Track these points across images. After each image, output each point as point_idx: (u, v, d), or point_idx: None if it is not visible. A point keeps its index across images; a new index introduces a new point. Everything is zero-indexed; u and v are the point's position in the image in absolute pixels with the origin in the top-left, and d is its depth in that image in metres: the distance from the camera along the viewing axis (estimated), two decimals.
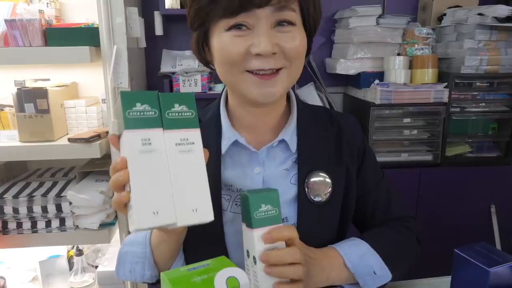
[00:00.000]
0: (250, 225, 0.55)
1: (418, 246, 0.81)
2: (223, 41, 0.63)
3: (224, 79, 0.68)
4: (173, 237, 0.63)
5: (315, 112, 0.81)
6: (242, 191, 0.59)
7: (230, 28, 0.62)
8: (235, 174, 0.74)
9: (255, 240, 0.54)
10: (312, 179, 0.73)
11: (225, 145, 0.74)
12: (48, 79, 1.67)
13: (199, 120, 0.78)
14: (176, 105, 0.52)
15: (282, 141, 0.74)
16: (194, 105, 0.54)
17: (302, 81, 1.91)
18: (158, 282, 0.70)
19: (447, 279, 0.77)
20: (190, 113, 0.53)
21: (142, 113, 0.48)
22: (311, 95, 1.83)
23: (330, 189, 0.73)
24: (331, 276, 0.66)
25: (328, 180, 0.74)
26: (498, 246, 1.78)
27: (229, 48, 0.62)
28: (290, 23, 0.63)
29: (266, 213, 0.56)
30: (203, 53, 0.71)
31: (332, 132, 0.78)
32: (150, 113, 0.49)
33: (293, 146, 0.75)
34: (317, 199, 0.73)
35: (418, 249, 0.81)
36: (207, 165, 0.72)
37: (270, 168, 0.74)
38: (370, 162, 0.82)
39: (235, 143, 0.73)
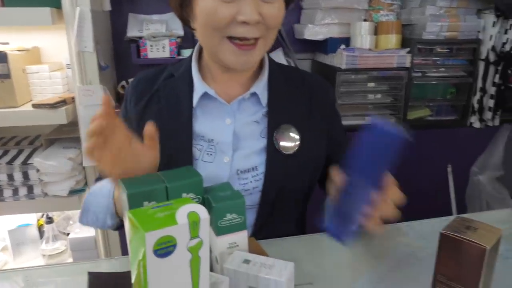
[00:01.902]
0: (214, 231, 0.56)
1: None
2: (210, 5, 0.64)
3: (203, 42, 0.71)
4: None
5: (286, 70, 0.84)
6: (207, 195, 0.57)
7: None
8: (207, 125, 0.77)
9: (218, 245, 0.56)
10: (281, 131, 0.77)
11: (195, 97, 0.77)
12: (7, 43, 1.61)
13: (171, 75, 0.81)
14: (184, 194, 0.54)
15: (254, 94, 0.77)
16: (202, 191, 0.56)
17: (271, 47, 1.92)
18: (118, 228, 0.74)
19: (406, 224, 0.84)
20: (197, 199, 0.56)
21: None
22: (279, 61, 1.84)
23: (298, 142, 0.77)
24: None
25: (296, 134, 0.77)
26: (453, 203, 1.91)
27: (215, 13, 0.64)
28: None
29: (230, 221, 0.56)
30: (182, 13, 0.74)
31: (303, 90, 0.82)
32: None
33: (264, 100, 0.78)
34: (285, 151, 0.76)
35: None
36: (179, 117, 0.76)
37: (241, 120, 0.78)
38: (339, 121, 0.89)
39: (206, 95, 0.76)
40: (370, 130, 0.54)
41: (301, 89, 0.82)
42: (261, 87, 0.78)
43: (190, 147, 0.76)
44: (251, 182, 0.77)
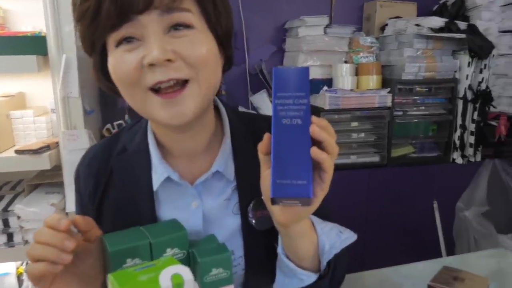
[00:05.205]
0: (199, 287, 0.55)
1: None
2: (115, 58, 0.56)
3: (131, 103, 0.60)
4: None
5: (255, 125, 0.72)
6: (192, 249, 0.56)
7: (119, 44, 0.55)
8: (171, 211, 0.68)
9: None
10: (255, 206, 0.67)
11: (156, 180, 0.67)
12: None
13: (124, 150, 0.70)
14: (169, 249, 0.54)
15: (217, 171, 0.67)
16: (187, 245, 0.56)
17: (255, 89, 1.96)
18: None
19: (393, 269, 0.83)
20: (182, 254, 0.56)
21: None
22: (264, 102, 1.88)
23: None
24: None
25: None
26: (441, 239, 1.91)
27: (121, 65, 0.55)
28: (187, 26, 0.55)
29: (216, 276, 0.55)
30: (104, 80, 0.62)
31: None
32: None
33: (230, 174, 0.68)
34: (263, 226, 0.67)
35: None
36: (138, 204, 0.67)
37: (209, 201, 0.68)
38: None
39: (168, 178, 0.66)
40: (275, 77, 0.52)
41: None
42: (223, 161, 0.68)
43: None
44: None
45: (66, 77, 1.43)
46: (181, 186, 0.67)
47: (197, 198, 0.67)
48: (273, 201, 0.49)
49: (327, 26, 1.89)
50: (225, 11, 0.61)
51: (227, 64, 0.67)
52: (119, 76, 0.56)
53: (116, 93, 0.63)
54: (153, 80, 0.54)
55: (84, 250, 0.56)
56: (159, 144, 0.68)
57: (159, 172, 0.67)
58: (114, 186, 0.69)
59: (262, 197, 0.57)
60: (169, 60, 0.53)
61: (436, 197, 1.90)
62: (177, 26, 0.55)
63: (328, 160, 0.48)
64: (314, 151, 0.47)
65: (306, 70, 0.51)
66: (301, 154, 0.48)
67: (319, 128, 0.48)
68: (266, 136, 0.51)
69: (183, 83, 0.56)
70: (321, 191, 0.50)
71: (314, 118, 0.49)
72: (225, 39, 0.63)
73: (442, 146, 1.95)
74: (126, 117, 1.76)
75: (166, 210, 0.68)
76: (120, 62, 0.55)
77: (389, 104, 1.80)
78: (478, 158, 1.89)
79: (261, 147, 0.52)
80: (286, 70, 0.51)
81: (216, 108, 0.72)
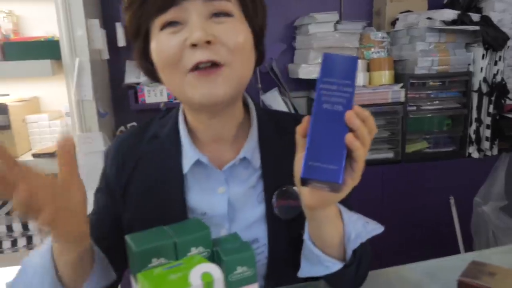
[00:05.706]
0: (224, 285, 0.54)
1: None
2: (159, 41, 0.60)
3: (169, 86, 0.64)
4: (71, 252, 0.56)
5: (279, 120, 0.76)
6: (216, 248, 0.56)
7: (164, 27, 0.60)
8: (198, 196, 0.70)
9: None
10: (280, 195, 0.69)
11: (186, 164, 0.69)
12: (8, 94, 1.63)
13: (155, 137, 0.73)
14: (193, 249, 0.53)
15: (244, 158, 0.70)
16: (211, 244, 0.55)
17: (266, 86, 1.95)
18: None
19: (415, 265, 0.82)
20: (206, 253, 0.55)
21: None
22: (275, 100, 1.88)
23: (299, 202, 0.66)
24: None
25: (297, 193, 0.68)
26: (459, 235, 1.89)
27: (164, 45, 0.60)
28: (226, 14, 0.60)
29: (241, 274, 0.54)
30: (146, 64, 0.67)
31: None
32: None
33: (256, 162, 0.70)
34: (286, 216, 0.69)
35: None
36: (168, 187, 0.69)
37: (235, 187, 0.70)
38: None
39: (197, 162, 0.69)
40: (324, 63, 0.51)
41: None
42: (251, 149, 0.70)
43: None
44: None
45: (80, 80, 1.45)
46: (209, 170, 0.69)
47: (223, 184, 0.69)
48: (303, 182, 0.49)
49: (337, 22, 1.87)
50: (261, 6, 0.66)
51: (259, 59, 0.70)
52: (162, 57, 0.60)
53: (153, 77, 0.68)
54: (193, 60, 0.58)
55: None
56: (189, 131, 0.71)
57: (189, 156, 0.69)
58: (142, 171, 0.71)
59: (294, 179, 0.57)
60: (209, 42, 0.58)
61: (452, 193, 1.87)
62: (217, 14, 0.60)
63: (360, 149, 0.48)
64: (349, 136, 0.48)
65: (355, 59, 0.51)
66: (336, 140, 0.48)
67: (357, 116, 0.49)
68: (305, 118, 0.52)
69: (219, 67, 0.60)
70: (351, 180, 0.51)
71: (356, 107, 0.50)
72: (259, 33, 0.67)
73: (457, 140, 1.92)
74: (162, 104, 1.75)
75: (194, 194, 0.70)
76: (164, 43, 0.60)
77: (402, 99, 1.78)
78: (495, 151, 1.85)
79: (300, 129, 0.53)
80: (335, 56, 0.51)
81: (244, 103, 0.75)
